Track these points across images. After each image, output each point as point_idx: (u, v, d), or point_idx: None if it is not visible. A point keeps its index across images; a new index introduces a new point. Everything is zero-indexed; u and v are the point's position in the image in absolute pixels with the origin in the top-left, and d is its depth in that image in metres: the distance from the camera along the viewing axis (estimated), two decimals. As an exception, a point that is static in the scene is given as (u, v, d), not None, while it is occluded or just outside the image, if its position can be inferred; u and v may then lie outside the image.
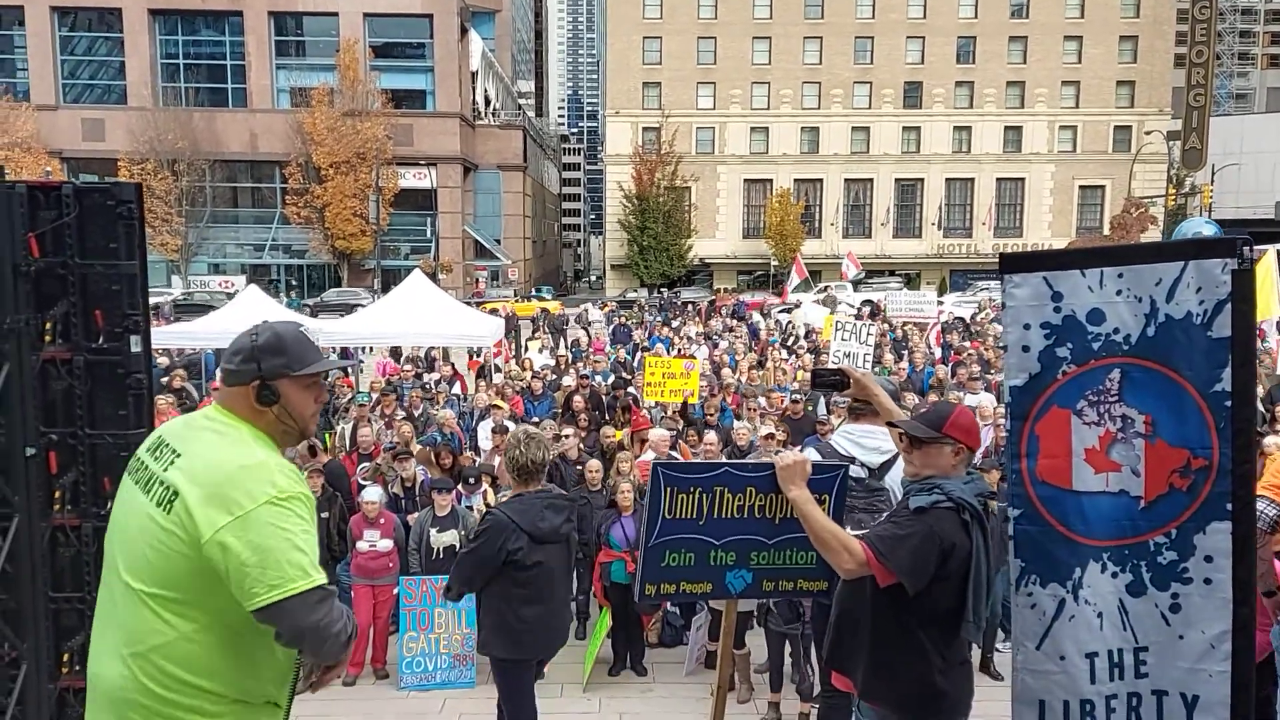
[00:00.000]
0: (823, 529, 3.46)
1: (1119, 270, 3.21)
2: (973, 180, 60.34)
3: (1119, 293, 3.20)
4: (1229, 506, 3.05)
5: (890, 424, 4.17)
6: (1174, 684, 3.17)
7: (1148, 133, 56.93)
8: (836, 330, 14.34)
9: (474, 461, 9.70)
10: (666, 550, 3.77)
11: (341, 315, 31.18)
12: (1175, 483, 3.12)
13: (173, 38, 52.25)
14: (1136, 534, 3.20)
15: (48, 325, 3.78)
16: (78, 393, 3.81)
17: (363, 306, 38.57)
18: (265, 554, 2.33)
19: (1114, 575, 3.24)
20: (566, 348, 23.00)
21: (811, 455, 4.91)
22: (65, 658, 3.86)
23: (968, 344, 20.20)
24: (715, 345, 20.76)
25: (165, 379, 13.50)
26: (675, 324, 27.65)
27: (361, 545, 7.63)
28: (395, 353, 19.62)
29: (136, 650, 2.41)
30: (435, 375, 17.17)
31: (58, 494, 3.85)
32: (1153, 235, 50.58)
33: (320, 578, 2.40)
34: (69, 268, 3.74)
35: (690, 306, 39.29)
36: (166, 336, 16.54)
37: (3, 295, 3.59)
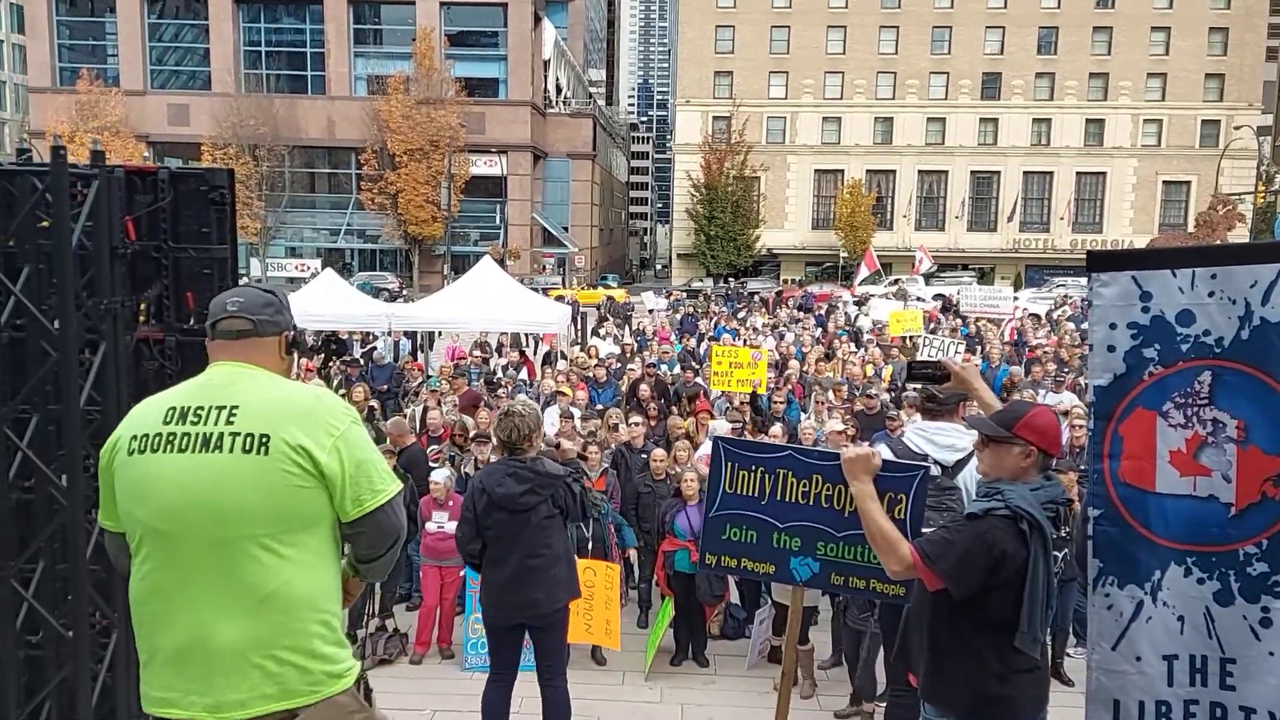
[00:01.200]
0: (877, 528, 3.42)
1: (1211, 271, 3.12)
2: (1051, 174, 58.87)
3: (1211, 294, 3.11)
4: None
5: (964, 418, 4.11)
6: (1263, 702, 3.07)
7: (1237, 128, 54.95)
8: (924, 347, 14.42)
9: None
10: (727, 524, 3.80)
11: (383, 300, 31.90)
12: (1269, 491, 3.02)
13: (255, 25, 53.49)
14: (1225, 542, 3.10)
15: (142, 306, 3.91)
16: (169, 372, 3.93)
17: (389, 291, 39.43)
18: (367, 464, 2.61)
19: (1199, 581, 3.15)
20: (632, 336, 23.06)
21: (884, 451, 4.86)
22: (152, 626, 3.99)
23: (1044, 340, 19.77)
24: (781, 337, 20.61)
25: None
26: (741, 315, 27.50)
27: (430, 526, 7.77)
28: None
29: (260, 597, 2.50)
30: (502, 360, 17.35)
31: (147, 468, 3.98)
32: (1240, 234, 48.90)
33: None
34: (162, 251, 3.86)
35: (756, 297, 39.06)
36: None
37: (100, 277, 3.72)
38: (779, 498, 3.75)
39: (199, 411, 2.54)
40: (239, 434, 2.50)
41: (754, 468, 3.78)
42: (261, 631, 2.50)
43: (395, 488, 2.67)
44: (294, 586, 2.53)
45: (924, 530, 3.66)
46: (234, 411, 2.53)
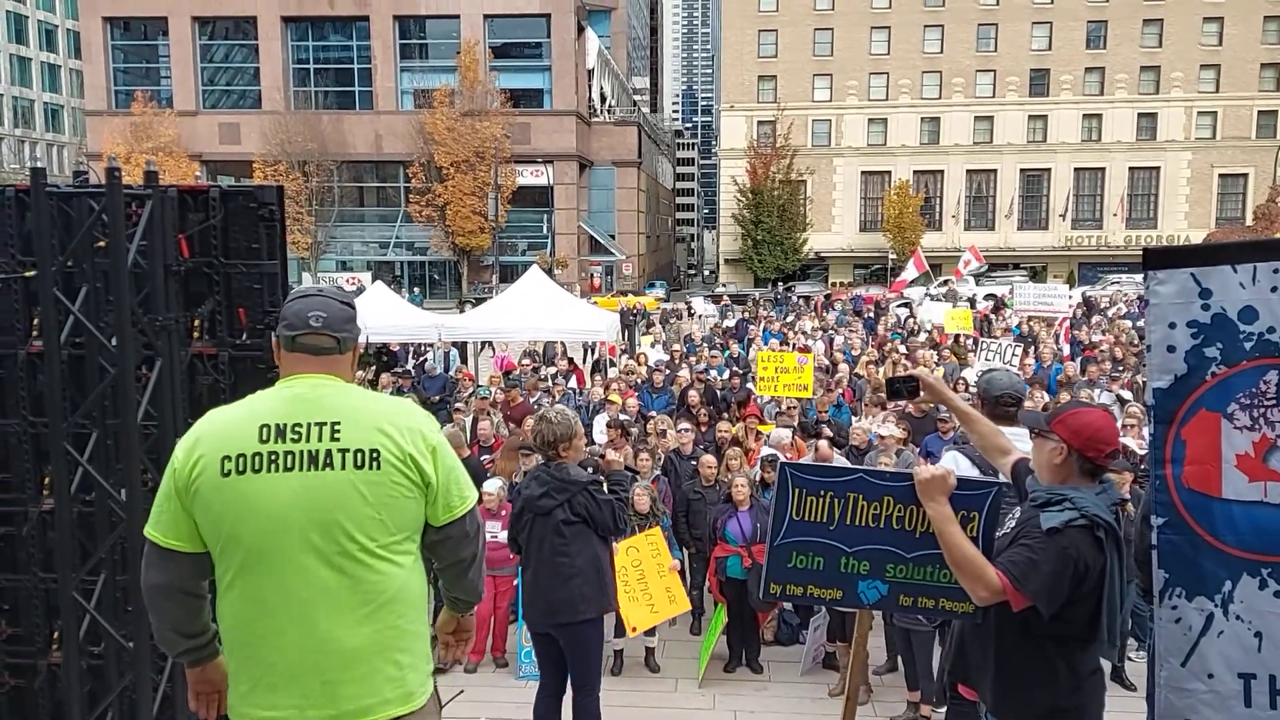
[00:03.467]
0: (960, 552, 3.29)
1: (1274, 265, 3.02)
2: (1103, 170, 57.79)
3: (1274, 289, 3.01)
4: None
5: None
6: None
7: (1296, 117, 53.58)
8: (980, 349, 14.23)
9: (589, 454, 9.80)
10: (794, 551, 3.68)
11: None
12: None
13: (303, 43, 54.41)
14: None
15: (195, 322, 3.99)
16: (222, 386, 4.00)
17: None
18: (456, 470, 2.70)
19: (1277, 594, 3.02)
20: (680, 342, 23.02)
21: (959, 459, 4.76)
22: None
23: (1100, 338, 19.37)
24: (831, 341, 20.41)
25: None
26: (790, 318, 27.32)
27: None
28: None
29: (380, 602, 2.55)
30: (552, 369, 17.41)
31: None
32: (1302, 225, 47.60)
33: None
34: (214, 268, 3.93)
35: (805, 301, 38.75)
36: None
37: (155, 294, 3.80)
38: (848, 522, 3.63)
39: (298, 429, 2.51)
40: (348, 450, 2.50)
41: (823, 493, 3.66)
42: (384, 636, 2.55)
43: (473, 495, 2.78)
44: (410, 590, 2.61)
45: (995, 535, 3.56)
46: (336, 427, 2.52)
